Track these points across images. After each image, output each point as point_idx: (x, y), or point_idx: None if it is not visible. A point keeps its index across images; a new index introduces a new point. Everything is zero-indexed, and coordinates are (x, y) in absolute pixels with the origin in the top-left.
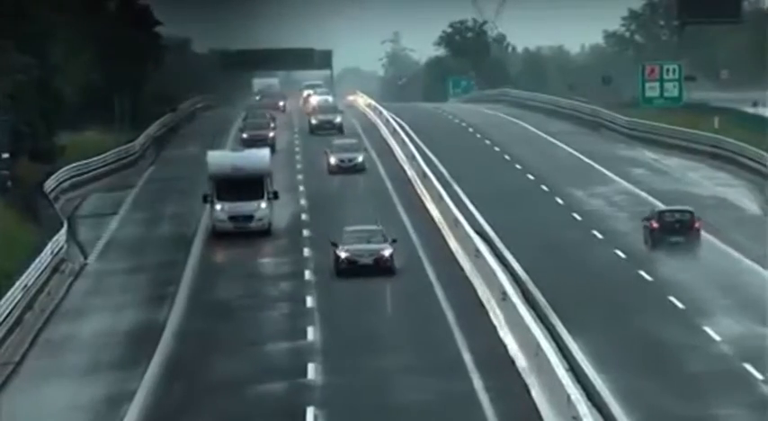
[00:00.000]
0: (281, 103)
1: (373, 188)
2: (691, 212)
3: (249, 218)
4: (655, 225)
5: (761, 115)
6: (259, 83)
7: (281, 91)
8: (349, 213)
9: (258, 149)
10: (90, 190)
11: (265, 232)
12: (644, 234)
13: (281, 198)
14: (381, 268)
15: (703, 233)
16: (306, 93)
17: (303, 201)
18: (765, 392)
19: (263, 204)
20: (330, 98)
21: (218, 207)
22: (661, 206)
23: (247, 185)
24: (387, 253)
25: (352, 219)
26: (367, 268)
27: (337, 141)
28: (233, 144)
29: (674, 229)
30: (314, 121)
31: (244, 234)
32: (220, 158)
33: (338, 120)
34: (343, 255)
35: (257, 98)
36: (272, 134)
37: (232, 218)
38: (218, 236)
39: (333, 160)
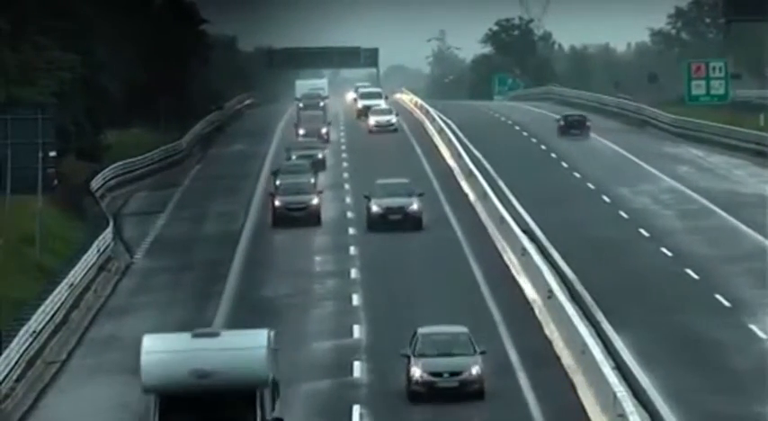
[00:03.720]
0: (324, 131)
1: None
2: (584, 116)
3: None
4: (562, 123)
5: None
6: (302, 85)
7: (326, 114)
8: None
9: (249, 333)
10: (136, 188)
11: None
12: (557, 128)
13: None
14: None
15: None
16: (362, 103)
17: None
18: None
19: None
20: (393, 118)
21: None
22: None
23: (223, 409)
24: None
25: None
26: None
27: (428, 331)
28: (263, 199)
29: (573, 125)
30: (375, 208)
31: None
32: (168, 355)
33: (414, 207)
34: None
35: (300, 105)
36: (316, 201)
37: None
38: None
39: (417, 373)
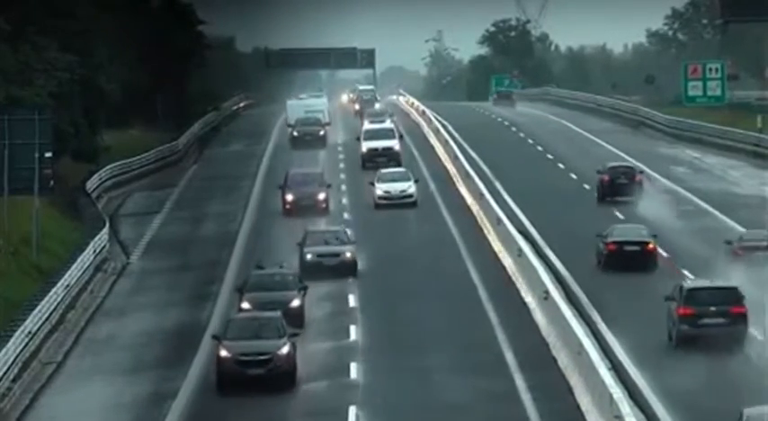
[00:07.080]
0: (322, 197)
1: None
2: (511, 91)
3: None
4: (495, 96)
5: None
6: (296, 107)
7: (323, 174)
8: None
9: None
10: (133, 188)
11: None
12: (492, 101)
13: None
14: None
15: None
16: (366, 146)
17: None
18: None
19: None
20: (411, 187)
21: None
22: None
23: None
24: None
25: None
26: None
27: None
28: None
29: (503, 98)
30: None
31: None
32: None
33: None
34: None
35: (294, 133)
36: (285, 349)
37: None
38: None
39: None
